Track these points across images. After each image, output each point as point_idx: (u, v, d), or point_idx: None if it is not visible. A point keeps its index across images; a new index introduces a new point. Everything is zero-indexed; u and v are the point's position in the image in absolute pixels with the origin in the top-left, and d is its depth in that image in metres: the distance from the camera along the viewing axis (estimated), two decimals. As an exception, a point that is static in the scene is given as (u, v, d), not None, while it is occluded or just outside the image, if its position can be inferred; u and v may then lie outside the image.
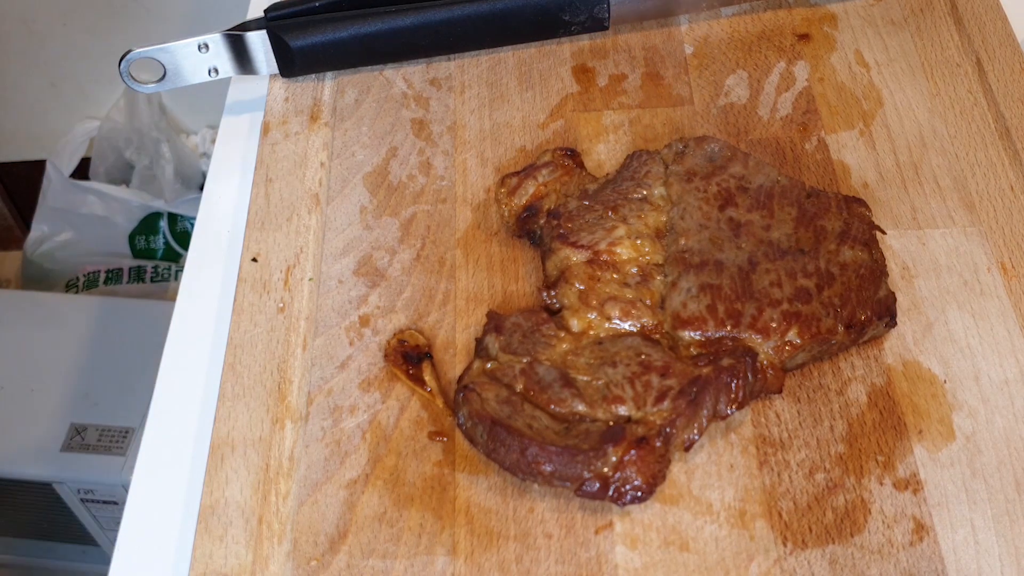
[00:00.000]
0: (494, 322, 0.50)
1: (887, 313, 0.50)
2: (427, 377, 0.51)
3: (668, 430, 0.46)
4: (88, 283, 1.40)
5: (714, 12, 0.67)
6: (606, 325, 0.50)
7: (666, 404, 0.46)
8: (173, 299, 0.57)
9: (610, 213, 0.53)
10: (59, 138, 1.44)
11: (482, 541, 0.46)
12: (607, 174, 0.56)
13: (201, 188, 0.61)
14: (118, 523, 0.49)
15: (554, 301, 0.51)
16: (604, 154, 0.60)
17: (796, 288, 0.50)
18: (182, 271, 0.58)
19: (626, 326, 0.50)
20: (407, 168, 0.60)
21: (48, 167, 1.41)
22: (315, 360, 0.52)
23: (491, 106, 0.63)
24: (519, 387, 0.48)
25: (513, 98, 0.63)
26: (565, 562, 0.45)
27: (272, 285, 0.55)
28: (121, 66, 0.60)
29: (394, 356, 0.52)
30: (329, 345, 0.53)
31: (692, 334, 0.49)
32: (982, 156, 0.58)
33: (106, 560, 0.48)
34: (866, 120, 0.61)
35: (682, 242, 0.52)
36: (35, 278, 1.43)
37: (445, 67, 0.65)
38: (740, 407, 0.47)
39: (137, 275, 1.41)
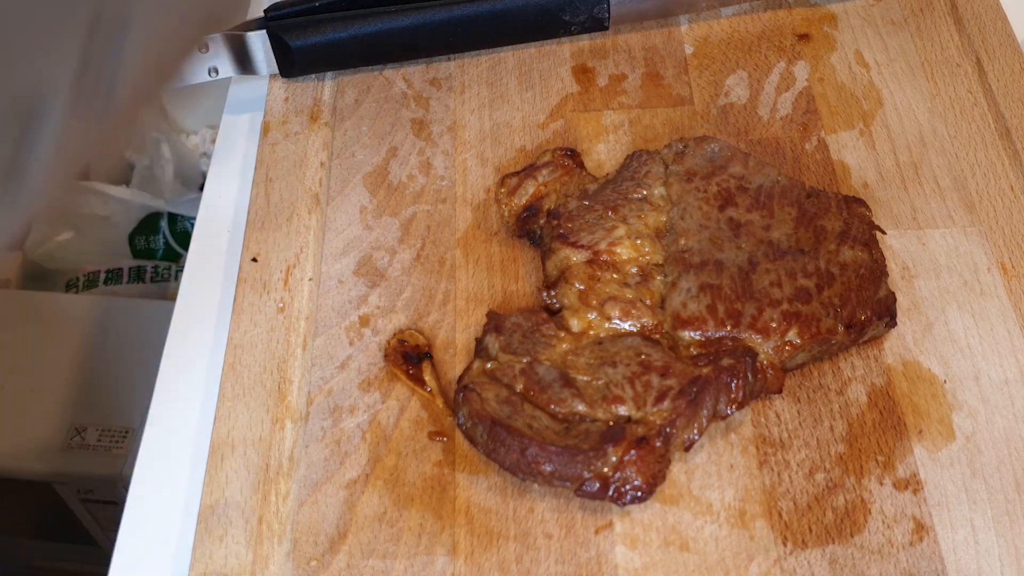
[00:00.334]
0: (494, 322, 0.50)
1: (887, 313, 0.50)
2: (427, 377, 0.51)
3: (668, 430, 0.46)
4: (88, 283, 1.40)
5: (714, 12, 0.67)
6: (606, 325, 0.50)
7: (666, 404, 0.46)
8: (173, 299, 0.57)
9: (610, 213, 0.53)
10: (59, 138, 1.44)
11: (482, 541, 0.46)
12: (607, 174, 0.56)
13: (201, 188, 0.60)
14: (118, 523, 0.49)
15: (554, 301, 0.51)
16: (604, 154, 0.60)
17: (796, 288, 0.50)
18: (182, 271, 0.58)
19: (626, 326, 0.50)
20: (407, 168, 0.60)
21: (48, 167, 1.40)
22: (315, 360, 0.52)
23: (491, 106, 0.63)
24: (519, 387, 0.48)
25: (513, 98, 0.63)
26: (565, 562, 0.45)
27: (272, 285, 0.55)
28: None
29: (394, 356, 0.52)
30: (329, 345, 0.53)
31: (692, 334, 0.49)
32: (982, 156, 0.58)
33: (106, 560, 0.48)
34: (866, 120, 0.61)
35: (682, 242, 0.52)
36: (35, 278, 1.43)
37: (445, 67, 0.65)
38: (740, 407, 0.47)
39: (137, 275, 1.40)
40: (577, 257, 0.52)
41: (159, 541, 0.48)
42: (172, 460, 0.51)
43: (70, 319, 1.21)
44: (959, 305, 0.52)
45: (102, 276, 1.41)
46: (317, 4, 0.62)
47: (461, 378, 0.49)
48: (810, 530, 0.46)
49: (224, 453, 0.49)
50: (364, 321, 0.53)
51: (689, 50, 0.65)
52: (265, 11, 0.62)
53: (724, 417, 0.48)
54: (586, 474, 0.45)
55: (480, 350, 0.50)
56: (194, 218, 0.61)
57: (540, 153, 0.58)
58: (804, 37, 0.65)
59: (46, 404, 1.13)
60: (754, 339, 0.49)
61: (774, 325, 0.49)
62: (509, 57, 0.65)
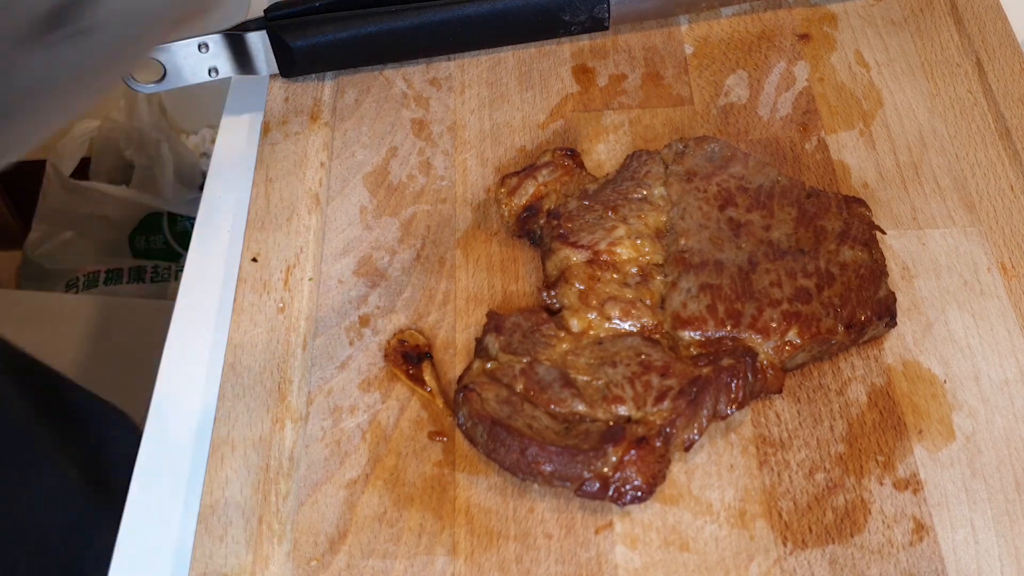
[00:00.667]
0: (494, 322, 0.50)
1: (887, 313, 0.50)
2: (427, 377, 0.51)
3: (668, 430, 0.46)
4: (88, 283, 1.40)
5: (714, 12, 0.67)
6: (606, 325, 0.50)
7: (666, 404, 0.46)
8: (173, 299, 0.57)
9: (610, 213, 0.53)
10: (59, 138, 1.44)
11: (482, 541, 0.46)
12: (607, 174, 0.56)
13: (201, 188, 0.60)
14: (118, 523, 0.49)
15: (554, 301, 0.51)
16: (604, 154, 0.60)
17: (796, 288, 0.50)
18: (182, 271, 0.58)
19: (626, 326, 0.50)
20: (407, 168, 0.60)
21: (48, 167, 1.41)
22: (315, 360, 0.52)
23: (491, 106, 0.63)
24: (519, 387, 0.48)
25: (513, 98, 0.63)
26: (565, 562, 0.45)
27: (272, 285, 0.55)
28: None
29: (394, 356, 0.52)
30: (329, 345, 0.53)
31: (692, 334, 0.49)
32: (982, 156, 0.58)
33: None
34: (866, 120, 0.61)
35: (682, 242, 0.52)
36: (35, 278, 1.43)
37: (445, 67, 0.65)
38: (740, 407, 0.47)
39: (137, 275, 1.41)
40: (577, 257, 0.52)
41: (159, 541, 0.48)
42: (172, 460, 0.51)
43: (70, 319, 1.21)
44: (959, 305, 0.52)
45: (102, 276, 1.41)
46: (317, 4, 0.62)
47: (461, 378, 0.49)
48: (810, 530, 0.46)
49: (224, 453, 0.49)
50: (364, 321, 0.53)
51: (689, 50, 0.65)
52: (265, 11, 0.62)
53: (724, 417, 0.48)
54: (586, 474, 0.45)
55: (480, 350, 0.50)
56: (194, 218, 0.61)
57: (540, 153, 0.58)
58: (804, 37, 0.65)
59: (46, 404, 1.13)
60: (754, 339, 0.49)
61: (774, 325, 0.49)
62: (509, 57, 0.65)
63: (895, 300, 0.51)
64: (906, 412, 0.49)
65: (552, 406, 0.47)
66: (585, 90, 0.63)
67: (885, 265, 0.52)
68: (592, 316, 0.50)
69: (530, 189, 0.56)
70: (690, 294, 0.50)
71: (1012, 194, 0.56)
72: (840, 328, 0.49)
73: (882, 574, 0.44)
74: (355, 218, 0.58)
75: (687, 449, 0.47)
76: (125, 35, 0.32)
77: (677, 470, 0.48)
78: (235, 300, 0.54)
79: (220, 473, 0.48)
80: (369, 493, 0.48)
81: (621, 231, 0.52)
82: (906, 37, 0.65)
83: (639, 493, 0.45)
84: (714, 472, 0.48)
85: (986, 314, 0.52)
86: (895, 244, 0.55)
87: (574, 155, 0.57)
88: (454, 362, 0.52)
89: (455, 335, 0.53)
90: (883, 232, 0.54)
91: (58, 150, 1.43)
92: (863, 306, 0.50)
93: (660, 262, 0.52)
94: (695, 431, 0.47)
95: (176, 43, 0.60)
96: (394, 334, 0.53)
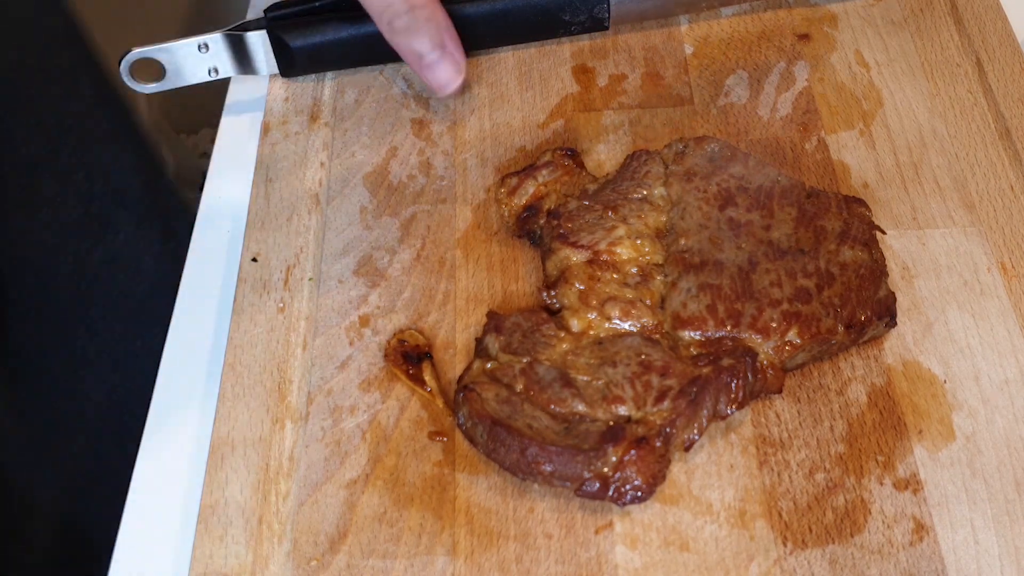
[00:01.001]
0: (494, 322, 0.50)
1: (887, 313, 0.50)
2: (427, 377, 0.51)
3: (668, 430, 0.46)
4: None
5: (714, 12, 0.67)
6: (606, 325, 0.50)
7: (666, 404, 0.46)
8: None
9: (610, 213, 0.53)
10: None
11: (482, 541, 0.46)
12: (607, 174, 0.56)
13: (201, 188, 0.60)
14: (118, 523, 0.49)
15: (554, 301, 0.51)
16: (604, 154, 0.60)
17: (796, 288, 0.50)
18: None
19: (626, 326, 0.50)
20: (407, 168, 0.60)
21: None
22: (315, 360, 0.52)
23: (491, 106, 0.63)
24: (519, 387, 0.48)
25: (513, 98, 0.63)
26: (565, 562, 0.45)
27: (272, 285, 0.55)
28: (121, 65, 0.60)
29: (394, 356, 0.52)
30: (329, 345, 0.53)
31: (692, 334, 0.49)
32: (982, 156, 0.58)
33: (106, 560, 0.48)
34: (866, 120, 0.61)
35: (682, 242, 0.52)
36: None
37: (445, 67, 0.65)
38: (740, 407, 0.48)
39: (137, 275, 1.40)
40: (577, 257, 0.52)
41: (159, 541, 0.48)
42: (172, 460, 0.51)
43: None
44: (959, 305, 0.53)
45: (102, 276, 1.40)
46: (317, 4, 0.62)
47: (461, 378, 0.49)
48: (810, 530, 0.46)
49: (224, 453, 0.49)
50: (364, 321, 0.53)
51: (689, 50, 0.65)
52: (265, 11, 0.62)
53: (724, 417, 0.48)
54: (586, 474, 0.45)
55: (480, 350, 0.50)
56: (194, 218, 0.61)
57: (540, 153, 0.58)
58: (804, 37, 0.65)
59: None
60: (754, 339, 0.49)
61: (774, 325, 0.49)
62: (509, 57, 0.65)
63: (895, 300, 0.51)
64: (906, 412, 0.49)
65: (552, 406, 0.47)
66: (585, 90, 0.63)
67: (885, 265, 0.52)
68: (592, 316, 0.50)
69: (530, 189, 0.56)
70: (690, 294, 0.50)
71: (1012, 194, 0.56)
72: (840, 328, 0.49)
73: (882, 574, 0.44)
74: (355, 218, 0.58)
75: (687, 449, 0.47)
76: None
77: (677, 470, 0.48)
78: (235, 300, 0.54)
79: (220, 473, 0.48)
80: (369, 493, 0.48)
81: (621, 231, 0.52)
82: (906, 37, 0.65)
83: (639, 493, 0.45)
84: (714, 472, 0.48)
85: (986, 314, 0.52)
86: (895, 244, 0.55)
87: (574, 155, 0.57)
88: (454, 362, 0.52)
89: (455, 335, 0.53)
90: (883, 232, 0.54)
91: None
92: (863, 306, 0.50)
93: (660, 262, 0.52)
94: (695, 431, 0.47)
95: (176, 43, 0.60)
96: (394, 334, 0.53)
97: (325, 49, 0.62)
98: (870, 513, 0.46)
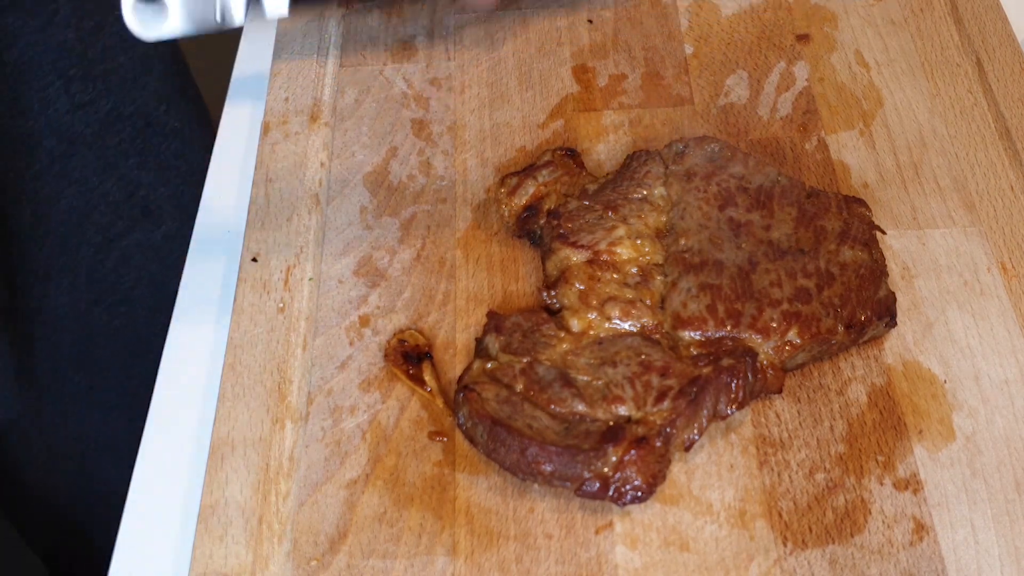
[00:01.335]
0: (494, 322, 0.50)
1: (887, 313, 0.50)
2: (427, 377, 0.51)
3: (668, 430, 0.46)
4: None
5: (714, 12, 0.67)
6: (606, 325, 0.50)
7: (666, 404, 0.46)
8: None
9: (610, 213, 0.53)
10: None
11: (482, 541, 0.46)
12: (607, 174, 0.56)
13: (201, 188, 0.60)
14: (118, 523, 0.49)
15: (554, 301, 0.51)
16: (604, 154, 0.60)
17: (796, 288, 0.50)
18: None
19: (626, 326, 0.50)
20: (407, 168, 0.60)
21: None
22: (315, 360, 0.52)
23: (491, 106, 0.63)
24: (519, 387, 0.48)
25: (513, 98, 0.63)
26: (565, 562, 0.45)
27: (272, 285, 0.55)
28: (121, 7, 0.56)
29: (394, 356, 0.52)
30: (329, 345, 0.53)
31: (692, 334, 0.49)
32: (982, 156, 0.58)
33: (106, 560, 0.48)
34: (866, 120, 0.61)
35: (682, 242, 0.52)
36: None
37: (445, 67, 0.65)
38: (740, 407, 0.47)
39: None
40: (577, 257, 0.52)
41: (159, 541, 0.48)
42: (172, 460, 0.51)
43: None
44: (959, 305, 0.53)
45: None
46: None
47: (461, 378, 0.49)
48: (810, 530, 0.46)
49: (224, 453, 0.49)
50: (364, 321, 0.53)
51: (689, 50, 0.65)
52: None
53: (724, 417, 0.48)
54: (586, 474, 0.45)
55: (480, 350, 0.50)
56: (194, 218, 0.61)
57: (540, 153, 0.58)
58: (804, 37, 0.65)
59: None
60: (754, 339, 0.49)
61: (774, 325, 0.49)
62: (509, 57, 0.65)
63: (895, 300, 0.51)
64: (906, 412, 0.49)
65: (552, 406, 0.47)
66: (585, 90, 0.63)
67: (885, 265, 0.52)
68: (592, 316, 0.50)
69: (530, 189, 0.56)
70: (690, 294, 0.50)
71: (1012, 194, 0.56)
72: (840, 328, 0.49)
73: (882, 574, 0.44)
74: (355, 218, 0.58)
75: (687, 449, 0.47)
76: None
77: (677, 470, 0.48)
78: (235, 300, 0.54)
79: (220, 473, 0.48)
80: (369, 493, 0.48)
81: (621, 231, 0.52)
82: (906, 37, 0.65)
83: (639, 493, 0.45)
84: (714, 472, 0.48)
85: (986, 314, 0.52)
86: (895, 244, 0.55)
87: (574, 155, 0.57)
88: (454, 362, 0.52)
89: (455, 335, 0.53)
90: (883, 232, 0.54)
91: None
92: (863, 306, 0.50)
93: (660, 262, 0.52)
94: (695, 431, 0.47)
95: None
96: (394, 334, 0.53)
97: None
98: (870, 513, 0.46)
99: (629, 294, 0.50)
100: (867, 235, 0.53)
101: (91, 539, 0.85)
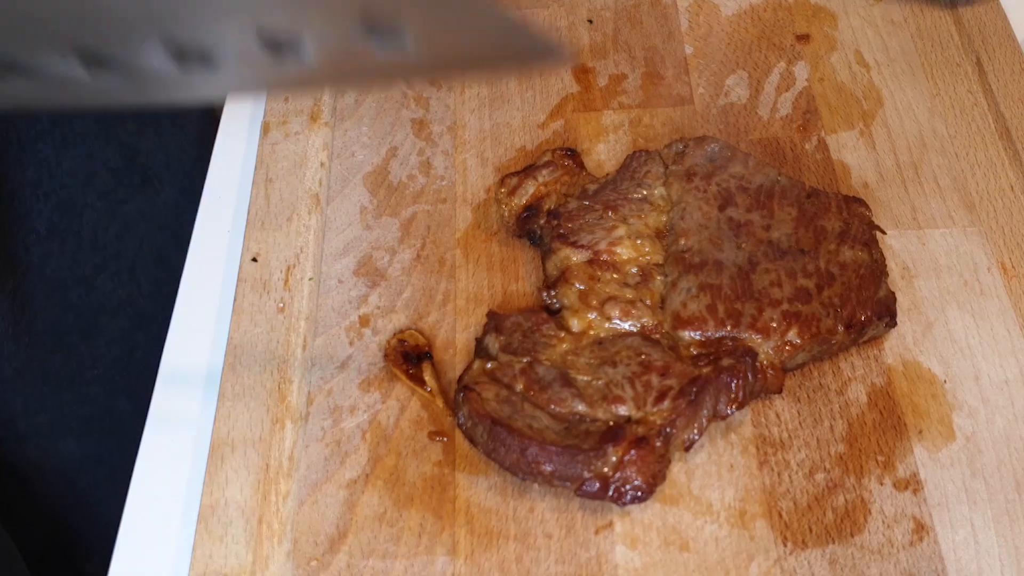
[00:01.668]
0: (494, 322, 0.50)
1: (887, 313, 0.50)
2: (427, 377, 0.51)
3: (668, 430, 0.46)
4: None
5: (714, 12, 0.67)
6: (606, 325, 0.50)
7: (666, 404, 0.46)
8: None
9: (610, 213, 0.53)
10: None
11: (482, 541, 0.46)
12: (607, 174, 0.56)
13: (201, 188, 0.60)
14: (118, 523, 0.49)
15: (554, 301, 0.51)
16: (604, 154, 0.60)
17: (796, 288, 0.50)
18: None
19: (626, 326, 0.50)
20: (407, 168, 0.60)
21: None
22: (315, 360, 0.52)
23: (491, 106, 0.63)
24: (519, 387, 0.48)
25: (513, 98, 0.63)
26: (565, 562, 0.45)
27: (272, 285, 0.55)
28: None
29: (394, 356, 0.52)
30: (329, 345, 0.53)
31: (692, 334, 0.49)
32: (982, 156, 0.58)
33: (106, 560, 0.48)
34: (866, 120, 0.61)
35: (682, 242, 0.52)
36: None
37: (445, 67, 0.65)
38: (740, 407, 0.47)
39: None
40: (577, 257, 0.52)
41: (159, 541, 0.48)
42: (172, 460, 0.51)
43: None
44: (959, 305, 0.52)
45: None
46: None
47: (461, 378, 0.49)
48: (810, 530, 0.46)
49: (224, 453, 0.49)
50: (364, 321, 0.53)
51: (689, 50, 0.65)
52: None
53: (724, 417, 0.48)
54: (586, 474, 0.45)
55: (480, 350, 0.50)
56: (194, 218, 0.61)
57: (540, 153, 0.58)
58: (804, 37, 0.65)
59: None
60: (754, 339, 0.49)
61: (774, 325, 0.49)
62: (509, 57, 0.65)
63: (895, 300, 0.51)
64: (906, 412, 0.49)
65: (552, 406, 0.47)
66: (585, 90, 0.63)
67: (885, 265, 0.52)
68: (592, 316, 0.50)
69: (530, 189, 0.56)
70: (690, 294, 0.50)
71: (1012, 194, 0.56)
72: (840, 328, 0.49)
73: (882, 574, 0.44)
74: (355, 218, 0.58)
75: (687, 449, 0.47)
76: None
77: (677, 470, 0.48)
78: (235, 300, 0.54)
79: (220, 473, 0.48)
80: (369, 493, 0.48)
81: (621, 231, 0.52)
82: (906, 37, 0.65)
83: (639, 493, 0.45)
84: (714, 472, 0.48)
85: (986, 314, 0.52)
86: (895, 244, 0.55)
87: (574, 155, 0.57)
88: (454, 362, 0.52)
89: (455, 335, 0.53)
90: (883, 232, 0.54)
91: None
92: (863, 306, 0.50)
93: (660, 262, 0.52)
94: (695, 431, 0.47)
95: None
96: (394, 334, 0.53)
97: None
98: (870, 513, 0.46)
99: (629, 294, 0.50)
100: (867, 235, 0.53)
101: (91, 540, 0.85)
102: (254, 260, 0.56)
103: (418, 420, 0.50)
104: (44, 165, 0.70)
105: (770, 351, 0.49)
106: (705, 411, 0.47)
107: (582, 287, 0.51)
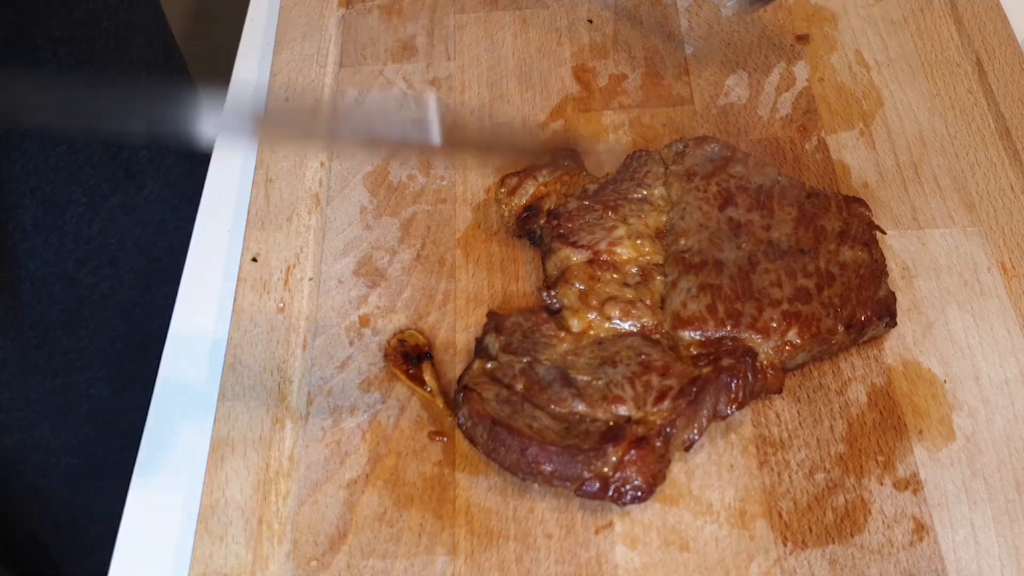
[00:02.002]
0: (494, 322, 0.50)
1: (887, 313, 0.50)
2: (427, 377, 0.51)
3: (668, 430, 0.46)
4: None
5: (714, 12, 0.67)
6: (606, 325, 0.50)
7: (666, 404, 0.46)
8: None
9: (610, 213, 0.53)
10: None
11: (482, 541, 0.46)
12: (607, 174, 0.56)
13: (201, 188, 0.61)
14: (118, 524, 0.49)
15: (554, 301, 0.51)
16: (604, 154, 0.60)
17: (796, 288, 0.50)
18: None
19: (626, 326, 0.50)
20: (407, 168, 0.60)
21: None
22: (315, 360, 0.52)
23: (491, 106, 0.63)
24: (519, 387, 0.48)
25: (513, 98, 0.63)
26: (565, 562, 0.45)
27: (272, 285, 0.55)
28: None
29: (394, 356, 0.52)
30: (329, 345, 0.53)
31: (692, 334, 0.49)
32: (982, 156, 0.58)
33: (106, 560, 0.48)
34: (866, 120, 0.61)
35: (682, 242, 0.52)
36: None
37: (445, 67, 0.65)
38: (740, 407, 0.47)
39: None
40: (577, 257, 0.52)
41: (159, 541, 0.48)
42: (172, 460, 0.51)
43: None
44: (959, 305, 0.52)
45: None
46: None
47: (461, 378, 0.49)
48: (810, 530, 0.46)
49: (224, 453, 0.49)
50: (364, 321, 0.53)
51: (689, 50, 0.65)
52: None
53: (724, 417, 0.48)
54: (586, 474, 0.45)
55: (480, 350, 0.50)
56: (194, 218, 0.61)
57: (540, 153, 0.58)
58: (804, 37, 0.65)
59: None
60: (754, 339, 0.49)
61: (774, 325, 0.49)
62: (509, 57, 0.65)
63: (895, 300, 0.51)
64: (906, 412, 0.49)
65: (552, 406, 0.47)
66: (585, 90, 0.63)
67: (885, 265, 0.52)
68: (592, 316, 0.50)
69: (530, 189, 0.56)
70: (690, 294, 0.50)
71: (1012, 194, 0.56)
72: (840, 328, 0.49)
73: (882, 574, 0.44)
74: (355, 218, 0.58)
75: (687, 449, 0.47)
76: None
77: (677, 470, 0.48)
78: (235, 300, 0.54)
79: (220, 473, 0.48)
80: (369, 493, 0.48)
81: (621, 231, 0.52)
82: (906, 37, 0.65)
83: (639, 493, 0.45)
84: (714, 472, 0.48)
85: (986, 314, 0.52)
86: (895, 244, 0.55)
87: (574, 155, 0.57)
88: (454, 362, 0.52)
89: (455, 335, 0.53)
90: (883, 232, 0.54)
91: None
92: (863, 306, 0.50)
93: (660, 262, 0.52)
94: (695, 431, 0.47)
95: None
96: (394, 334, 0.53)
97: None
98: (870, 513, 0.46)
99: (629, 294, 0.50)
100: (867, 235, 0.53)
101: (90, 542, 0.85)
102: (254, 260, 0.56)
103: (418, 420, 0.50)
104: (30, 161, 0.70)
105: (770, 351, 0.49)
106: (705, 411, 0.47)
107: (582, 287, 0.51)
